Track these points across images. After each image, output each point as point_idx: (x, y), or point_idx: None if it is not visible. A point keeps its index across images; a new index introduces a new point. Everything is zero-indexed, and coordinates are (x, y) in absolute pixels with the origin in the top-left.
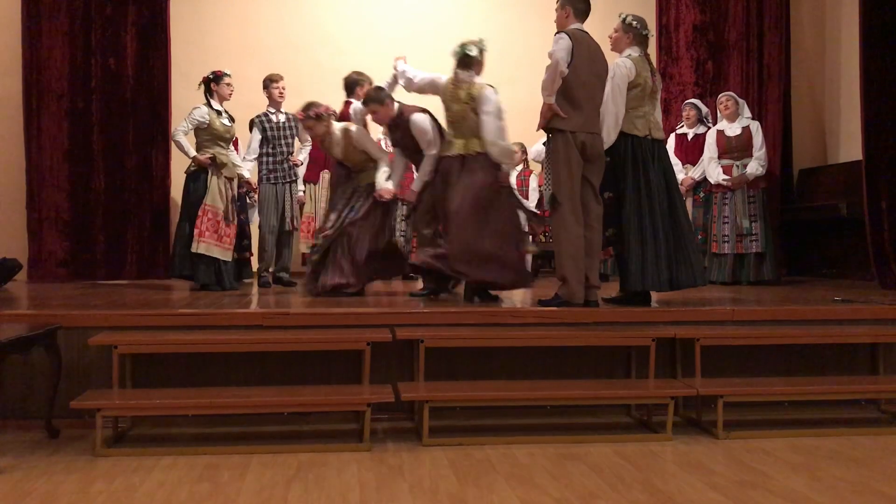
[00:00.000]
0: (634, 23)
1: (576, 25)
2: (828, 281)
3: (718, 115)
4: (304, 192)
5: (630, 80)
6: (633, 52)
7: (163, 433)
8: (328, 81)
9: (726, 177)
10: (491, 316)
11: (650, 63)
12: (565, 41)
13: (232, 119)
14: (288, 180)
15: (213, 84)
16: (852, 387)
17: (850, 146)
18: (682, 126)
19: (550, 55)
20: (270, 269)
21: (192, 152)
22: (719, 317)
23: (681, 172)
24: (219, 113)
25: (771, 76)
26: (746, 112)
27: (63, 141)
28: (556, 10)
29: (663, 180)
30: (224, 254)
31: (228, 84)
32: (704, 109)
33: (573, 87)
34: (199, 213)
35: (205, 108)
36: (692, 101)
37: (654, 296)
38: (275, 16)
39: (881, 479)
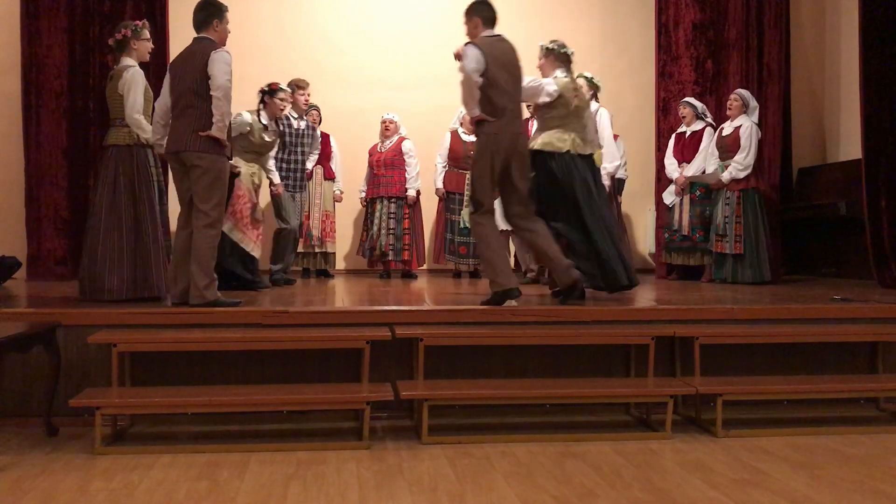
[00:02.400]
0: (552, 46)
1: (486, 33)
2: (827, 280)
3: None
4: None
5: (552, 99)
6: (560, 73)
7: (162, 431)
8: (327, 80)
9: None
10: (490, 314)
11: (575, 82)
12: (473, 52)
13: (277, 134)
14: (299, 189)
15: (266, 97)
16: (851, 385)
17: (849, 145)
18: (682, 125)
19: (461, 70)
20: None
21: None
22: (718, 315)
23: (675, 171)
24: (265, 127)
25: (770, 75)
26: (755, 115)
27: (62, 139)
28: (465, 22)
29: (586, 191)
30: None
31: (282, 99)
32: (700, 106)
33: (492, 93)
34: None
35: (249, 117)
36: (686, 99)
37: (654, 295)
38: (273, 14)
39: (880, 478)
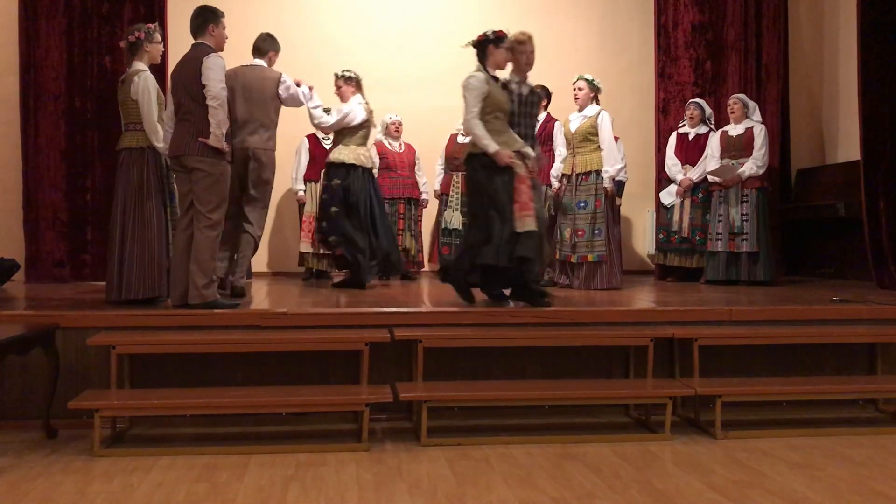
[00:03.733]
0: (350, 74)
1: (249, 62)
2: (826, 281)
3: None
4: (305, 191)
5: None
6: (360, 98)
7: (161, 433)
8: (327, 80)
9: (713, 169)
10: (489, 316)
11: (369, 106)
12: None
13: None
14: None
15: (491, 45)
16: (850, 386)
17: (848, 146)
18: (684, 125)
19: None
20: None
21: (493, 146)
22: (717, 317)
23: (679, 173)
24: (497, 81)
25: (769, 76)
26: (756, 115)
27: (60, 141)
28: None
29: (370, 199)
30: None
31: (517, 50)
32: (708, 110)
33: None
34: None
35: (482, 76)
36: (697, 100)
37: (653, 296)
38: (274, 15)
39: (879, 479)
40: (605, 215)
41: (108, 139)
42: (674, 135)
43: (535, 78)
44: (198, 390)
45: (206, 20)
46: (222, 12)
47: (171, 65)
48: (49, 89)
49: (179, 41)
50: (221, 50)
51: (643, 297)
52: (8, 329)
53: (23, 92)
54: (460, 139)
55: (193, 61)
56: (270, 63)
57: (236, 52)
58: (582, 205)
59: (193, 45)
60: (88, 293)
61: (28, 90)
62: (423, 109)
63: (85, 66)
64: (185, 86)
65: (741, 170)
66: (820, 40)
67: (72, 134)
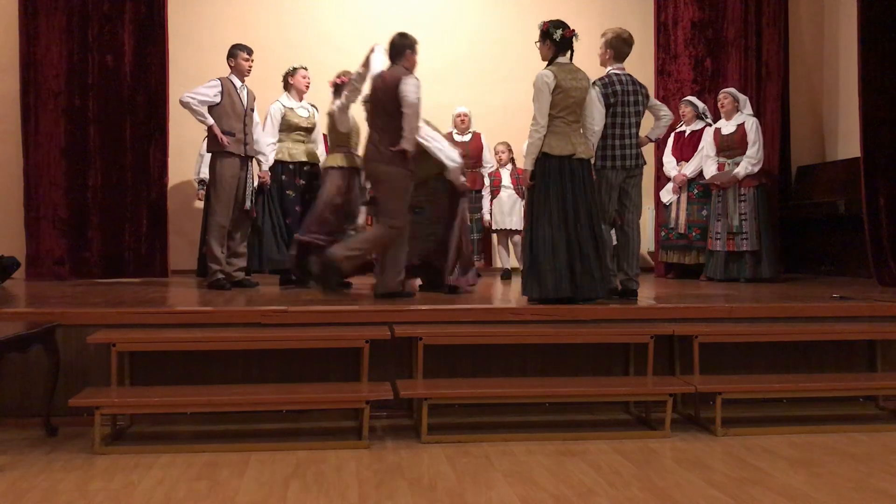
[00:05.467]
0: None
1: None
2: (826, 278)
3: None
4: None
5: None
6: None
7: (161, 431)
8: (326, 79)
9: (715, 173)
10: (490, 313)
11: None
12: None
13: None
14: None
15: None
16: (850, 383)
17: (848, 143)
18: (682, 124)
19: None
20: None
21: None
22: (717, 314)
23: (674, 170)
24: None
25: (769, 73)
26: (748, 109)
27: (60, 139)
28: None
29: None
30: None
31: None
32: (701, 106)
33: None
34: None
35: None
36: (688, 98)
37: (653, 293)
38: (273, 13)
39: (880, 476)
40: None
41: (108, 137)
42: (673, 134)
43: (532, 76)
44: (198, 388)
45: (405, 46)
46: (417, 40)
47: (171, 66)
48: (49, 87)
49: (179, 41)
50: (412, 72)
51: (643, 295)
52: (8, 327)
53: (23, 89)
54: (456, 137)
55: (392, 80)
56: (237, 70)
57: None
58: None
59: (391, 67)
60: (89, 291)
61: (28, 88)
62: (423, 106)
63: (85, 63)
64: (381, 100)
65: (736, 170)
66: (820, 38)
67: (72, 131)
